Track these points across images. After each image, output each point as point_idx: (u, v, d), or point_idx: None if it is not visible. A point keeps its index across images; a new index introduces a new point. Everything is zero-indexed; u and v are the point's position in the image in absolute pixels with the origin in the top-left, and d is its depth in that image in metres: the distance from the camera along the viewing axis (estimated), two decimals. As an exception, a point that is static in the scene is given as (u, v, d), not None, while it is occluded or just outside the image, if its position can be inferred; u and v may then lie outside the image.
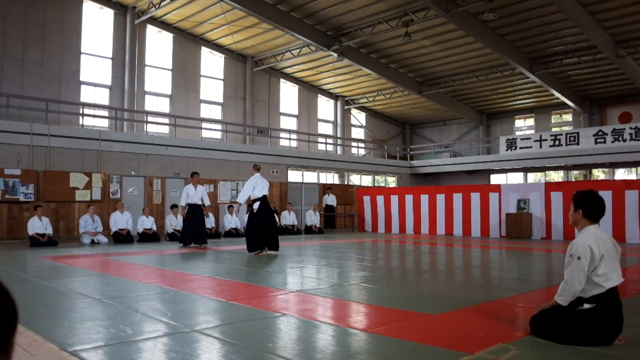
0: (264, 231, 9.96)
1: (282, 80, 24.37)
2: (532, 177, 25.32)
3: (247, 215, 10.72)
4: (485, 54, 20.38)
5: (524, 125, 27.26)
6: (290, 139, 22.82)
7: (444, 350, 3.24)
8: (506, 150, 22.38)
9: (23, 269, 7.81)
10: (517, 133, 26.16)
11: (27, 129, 14.22)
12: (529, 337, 3.56)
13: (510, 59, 19.48)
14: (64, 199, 14.40)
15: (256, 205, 10.07)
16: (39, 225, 12.13)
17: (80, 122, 16.88)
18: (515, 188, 16.14)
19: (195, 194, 11.87)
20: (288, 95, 24.85)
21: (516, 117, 27.34)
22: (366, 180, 25.52)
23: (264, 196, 10.13)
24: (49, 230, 12.28)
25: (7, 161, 13.77)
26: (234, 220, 15.96)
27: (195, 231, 11.78)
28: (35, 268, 7.86)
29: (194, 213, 11.81)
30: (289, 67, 23.44)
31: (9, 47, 16.33)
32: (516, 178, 25.33)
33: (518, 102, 25.99)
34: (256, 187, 10.09)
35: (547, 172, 24.79)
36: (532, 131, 25.53)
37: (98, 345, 3.40)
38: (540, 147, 21.23)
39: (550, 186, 15.31)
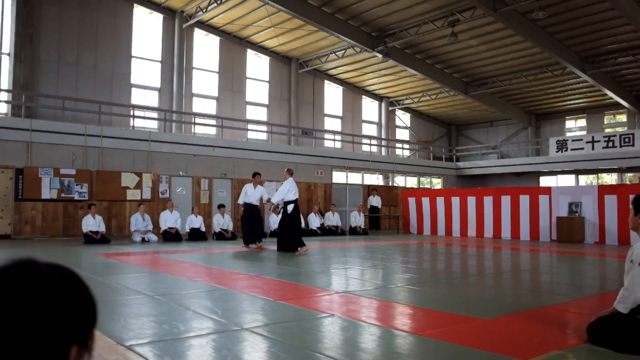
0: (296, 232, 10.45)
1: (326, 81, 24.45)
2: (584, 179, 24.52)
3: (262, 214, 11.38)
4: (534, 53, 19.89)
5: (575, 126, 26.45)
6: (334, 140, 22.86)
7: (497, 356, 3.17)
8: (556, 151, 21.74)
9: (78, 265, 8.10)
10: (568, 134, 25.40)
11: (81, 131, 14.75)
12: (586, 344, 3.44)
13: (560, 58, 18.94)
14: (116, 198, 14.87)
15: (290, 208, 10.53)
16: (92, 223, 12.55)
17: (131, 124, 17.38)
18: (566, 191, 15.66)
19: (254, 194, 12.00)
20: (332, 96, 24.90)
21: (567, 117, 26.56)
22: (411, 182, 25.30)
23: (296, 199, 10.64)
24: (102, 228, 12.69)
25: (63, 161, 14.33)
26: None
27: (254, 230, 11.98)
28: (89, 264, 8.13)
29: (251, 212, 11.98)
30: (334, 68, 23.48)
31: (65, 52, 17.00)
32: (567, 180, 24.57)
33: (569, 102, 25.24)
34: (291, 190, 10.54)
35: (599, 174, 23.96)
36: (584, 132, 24.73)
37: (152, 341, 3.50)
38: (593, 148, 20.53)
39: (603, 189, 14.79)
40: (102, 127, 15.30)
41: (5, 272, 0.79)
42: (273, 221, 16.11)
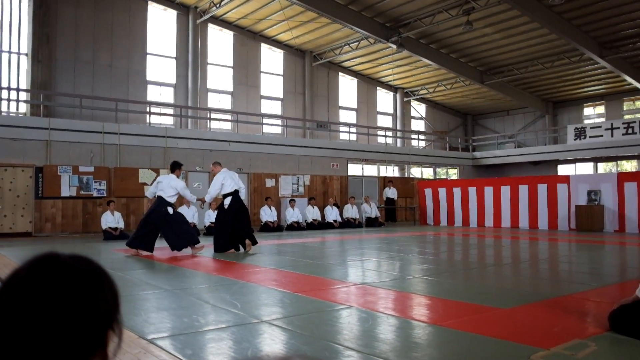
0: (233, 229, 9.25)
1: (340, 73, 24.37)
2: (603, 167, 24.18)
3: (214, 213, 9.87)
4: (551, 40, 19.60)
5: (593, 113, 26.06)
6: (349, 132, 22.80)
7: (518, 345, 3.16)
8: (574, 139, 21.46)
9: (98, 261, 8.17)
10: (586, 121, 25.03)
11: (98, 128, 14.90)
12: (607, 333, 3.41)
13: (578, 44, 18.63)
14: (134, 194, 15.02)
15: (227, 202, 9.33)
16: (111, 219, 12.70)
17: (148, 121, 17.51)
18: (585, 179, 15.48)
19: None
20: (347, 88, 24.82)
21: (585, 104, 26.17)
22: (427, 173, 25.17)
23: (236, 191, 9.34)
24: (121, 225, 12.84)
25: (82, 159, 14.50)
26: (296, 214, 16.24)
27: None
28: (109, 260, 8.24)
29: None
30: (348, 60, 23.39)
31: (81, 51, 17.15)
32: (585, 168, 24.25)
33: (587, 89, 24.86)
34: (225, 182, 9.35)
35: (619, 161, 23.61)
36: (603, 119, 24.35)
37: (173, 334, 3.54)
38: (612, 135, 20.22)
39: (623, 176, 14.58)
40: (119, 125, 15.44)
41: (32, 266, 0.81)
42: (289, 215, 16.22)
